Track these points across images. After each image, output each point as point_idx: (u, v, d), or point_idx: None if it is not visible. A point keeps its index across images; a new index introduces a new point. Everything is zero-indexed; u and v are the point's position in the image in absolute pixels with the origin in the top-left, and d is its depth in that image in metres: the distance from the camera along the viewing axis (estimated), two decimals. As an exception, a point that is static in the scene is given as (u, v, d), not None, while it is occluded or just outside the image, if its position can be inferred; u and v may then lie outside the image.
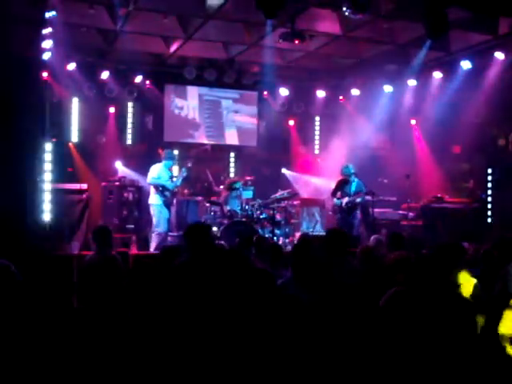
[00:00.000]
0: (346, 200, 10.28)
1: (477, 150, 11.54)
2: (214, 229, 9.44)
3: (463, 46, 10.66)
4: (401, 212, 11.36)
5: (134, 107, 12.88)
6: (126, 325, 3.39)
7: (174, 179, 9.72)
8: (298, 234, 10.06)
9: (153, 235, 9.48)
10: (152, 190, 9.59)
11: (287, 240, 10.05)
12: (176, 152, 13.29)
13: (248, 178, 11.25)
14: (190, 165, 10.29)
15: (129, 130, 12.90)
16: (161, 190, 9.48)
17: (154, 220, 9.48)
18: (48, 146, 10.06)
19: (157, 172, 9.53)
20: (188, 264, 4.58)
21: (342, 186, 10.48)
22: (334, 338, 3.18)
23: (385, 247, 6.20)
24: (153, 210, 9.52)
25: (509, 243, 5.50)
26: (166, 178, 9.59)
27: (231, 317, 3.24)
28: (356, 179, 10.37)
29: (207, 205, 10.54)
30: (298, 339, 3.15)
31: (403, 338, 3.15)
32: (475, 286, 4.72)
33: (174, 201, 11.09)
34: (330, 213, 11.68)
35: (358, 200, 10.25)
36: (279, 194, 10.87)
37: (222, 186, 10.77)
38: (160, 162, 9.73)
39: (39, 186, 9.48)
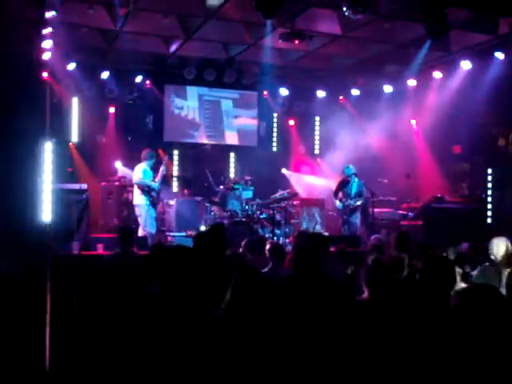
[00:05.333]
0: (346, 203, 10.35)
1: (477, 149, 11.54)
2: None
3: (463, 45, 10.66)
4: (401, 212, 11.36)
5: (134, 107, 12.88)
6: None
7: (156, 179, 9.69)
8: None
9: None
10: (137, 190, 9.55)
11: (287, 240, 10.05)
12: (179, 152, 13.33)
13: (248, 177, 11.25)
14: (166, 162, 10.21)
15: (129, 130, 12.89)
16: (147, 190, 9.47)
17: (141, 220, 9.46)
18: (48, 146, 10.05)
19: (142, 172, 9.52)
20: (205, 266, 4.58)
21: (343, 186, 10.54)
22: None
23: (388, 247, 6.22)
24: (139, 211, 9.49)
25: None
26: (151, 178, 9.59)
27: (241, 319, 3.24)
28: (356, 180, 10.41)
29: (207, 205, 10.54)
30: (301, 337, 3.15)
31: None
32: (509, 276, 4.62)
33: (174, 201, 11.12)
34: (331, 212, 11.71)
35: (359, 203, 10.32)
36: (279, 194, 10.87)
37: (221, 186, 10.77)
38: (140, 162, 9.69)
39: (39, 186, 9.48)
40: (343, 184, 10.55)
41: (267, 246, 5.86)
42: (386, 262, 4.92)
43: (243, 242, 6.26)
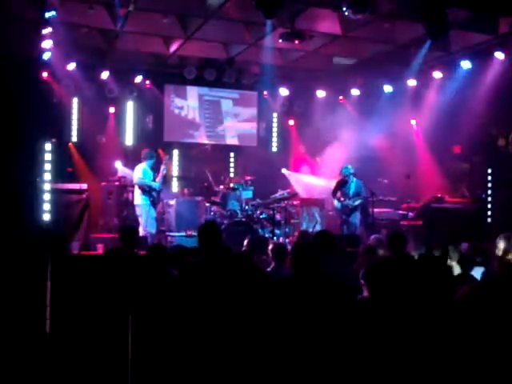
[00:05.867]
0: (345, 203, 10.35)
1: (477, 149, 11.54)
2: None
3: (463, 45, 10.66)
4: (401, 212, 11.36)
5: (134, 107, 12.88)
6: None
7: (157, 179, 9.70)
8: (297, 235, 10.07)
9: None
10: (138, 190, 9.58)
11: (287, 240, 10.05)
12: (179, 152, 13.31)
13: (248, 177, 11.25)
14: (167, 162, 10.23)
15: (129, 130, 12.90)
16: (147, 190, 9.48)
17: (142, 220, 9.47)
18: (48, 146, 10.07)
19: (142, 172, 9.53)
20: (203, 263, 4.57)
21: (341, 186, 10.54)
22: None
23: (385, 247, 6.21)
24: (140, 211, 9.51)
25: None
26: (151, 178, 9.60)
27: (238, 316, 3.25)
28: (355, 179, 10.41)
29: (207, 205, 10.54)
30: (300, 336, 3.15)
31: None
32: None
33: (174, 201, 11.12)
34: (331, 212, 11.70)
35: (357, 203, 10.32)
36: (279, 193, 10.87)
37: (221, 186, 10.77)
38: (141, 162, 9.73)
39: (39, 186, 9.49)
40: (342, 184, 10.54)
41: (270, 246, 5.88)
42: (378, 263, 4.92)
43: (246, 241, 6.27)
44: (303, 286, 3.68)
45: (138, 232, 6.12)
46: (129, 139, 12.91)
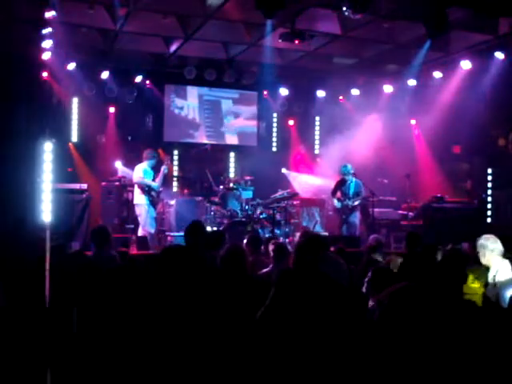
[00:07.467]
0: (344, 202, 10.33)
1: (477, 150, 11.54)
2: (214, 229, 9.44)
3: (463, 45, 10.66)
4: (401, 212, 11.37)
5: (134, 107, 12.87)
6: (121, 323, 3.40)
7: (157, 179, 9.70)
8: (298, 234, 10.07)
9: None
10: (137, 190, 9.58)
11: (287, 240, 10.05)
12: (178, 151, 13.31)
13: (248, 177, 11.25)
14: (168, 162, 10.21)
15: (129, 130, 12.90)
16: (147, 189, 9.49)
17: (141, 220, 9.47)
18: (48, 146, 10.03)
19: (142, 172, 9.53)
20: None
21: (340, 185, 10.52)
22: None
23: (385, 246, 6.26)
24: (139, 210, 9.52)
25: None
26: (151, 178, 9.61)
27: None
28: (354, 179, 10.38)
29: (207, 205, 10.54)
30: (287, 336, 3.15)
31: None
32: None
33: (174, 201, 11.13)
34: (331, 213, 11.70)
35: (357, 203, 10.31)
36: (279, 193, 10.87)
37: (221, 186, 10.78)
38: (142, 162, 9.73)
39: (39, 186, 9.48)
40: (341, 183, 10.52)
41: (271, 247, 5.89)
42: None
43: (245, 240, 6.30)
44: (300, 282, 3.68)
45: (108, 233, 6.03)
46: (129, 139, 12.90)
